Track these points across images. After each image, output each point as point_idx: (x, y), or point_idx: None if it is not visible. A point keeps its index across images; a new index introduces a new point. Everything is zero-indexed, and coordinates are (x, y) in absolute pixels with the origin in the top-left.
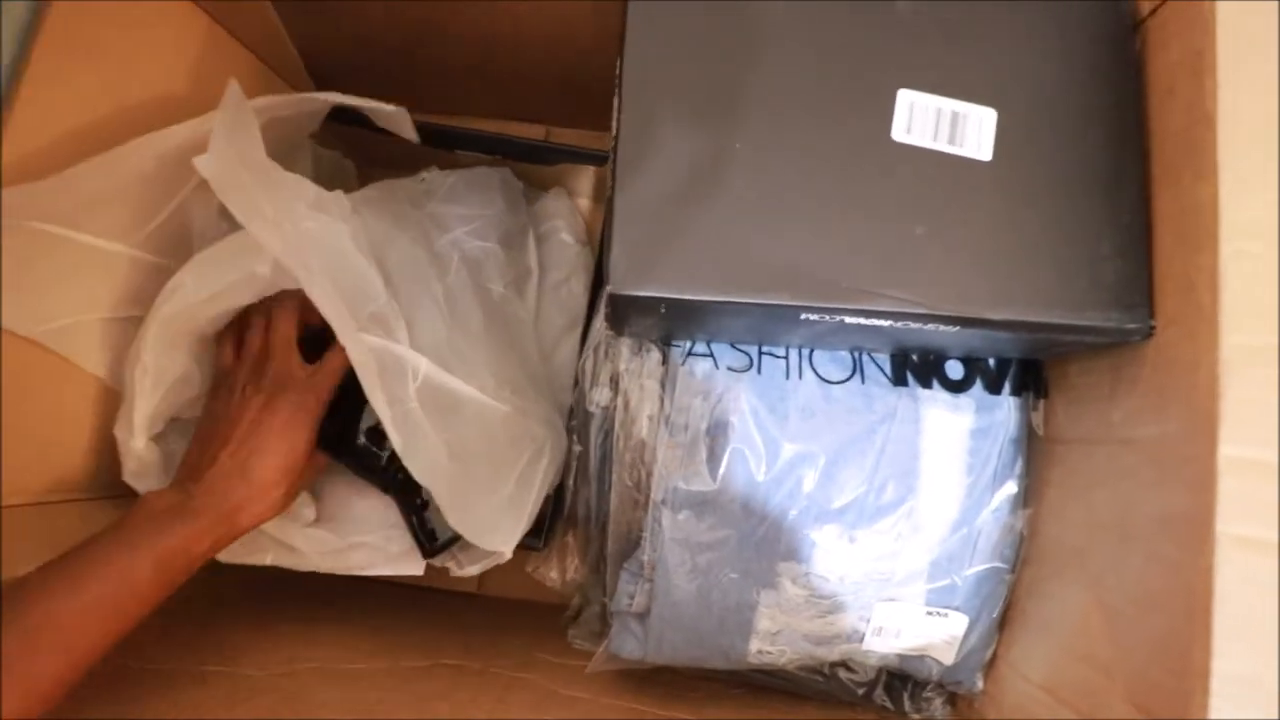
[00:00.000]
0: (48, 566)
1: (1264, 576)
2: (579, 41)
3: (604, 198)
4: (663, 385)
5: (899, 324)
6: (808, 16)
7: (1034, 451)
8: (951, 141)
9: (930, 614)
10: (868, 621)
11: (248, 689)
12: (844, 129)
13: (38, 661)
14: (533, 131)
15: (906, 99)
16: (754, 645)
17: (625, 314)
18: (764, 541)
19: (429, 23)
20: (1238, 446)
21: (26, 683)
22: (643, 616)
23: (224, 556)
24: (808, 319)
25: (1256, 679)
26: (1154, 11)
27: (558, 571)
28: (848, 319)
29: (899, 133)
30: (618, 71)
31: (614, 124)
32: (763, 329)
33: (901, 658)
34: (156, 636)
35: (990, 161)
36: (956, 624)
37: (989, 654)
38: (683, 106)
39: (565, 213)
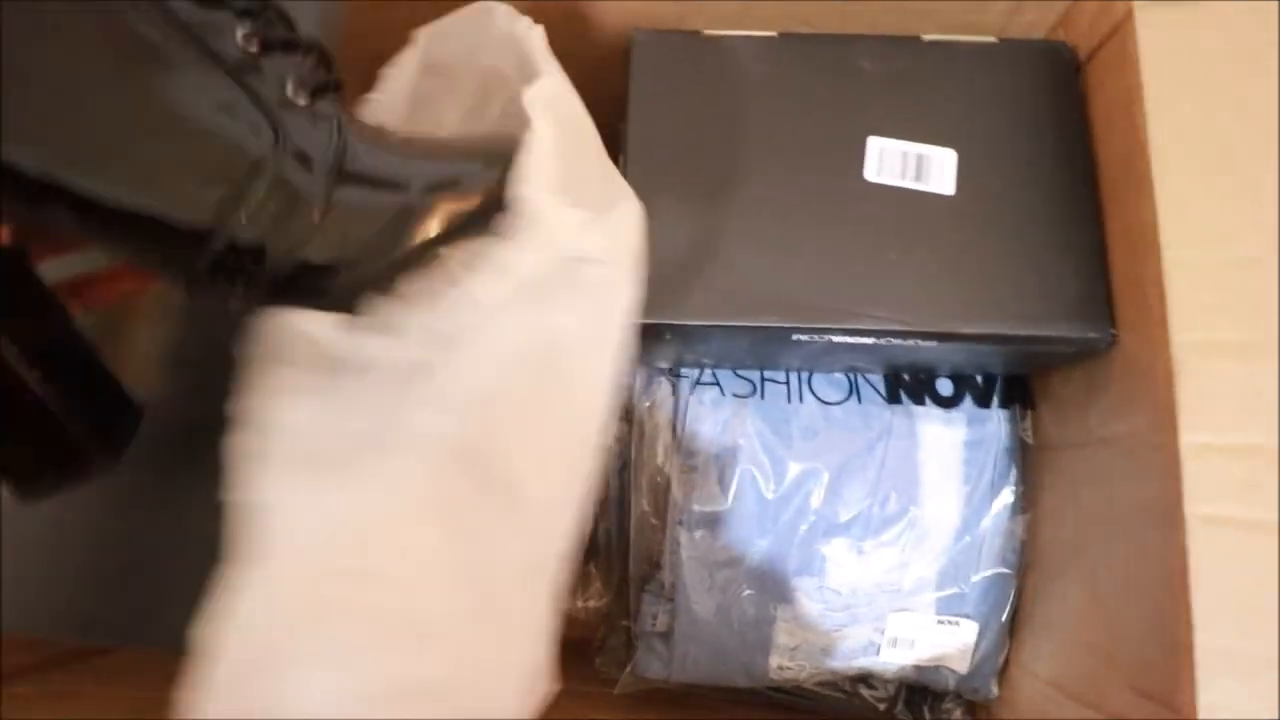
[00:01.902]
0: None
1: (1233, 550)
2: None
3: None
4: (674, 414)
5: (882, 340)
6: (790, 77)
7: (1027, 460)
8: (918, 179)
9: (941, 622)
10: (882, 633)
11: None
12: (824, 172)
13: None
14: None
15: (876, 145)
16: (774, 660)
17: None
18: (777, 557)
19: None
20: (1196, 433)
21: None
22: (666, 636)
23: None
24: (799, 339)
25: (1238, 649)
26: (1091, 56)
27: (581, 600)
28: (835, 338)
29: (871, 174)
30: (623, 128)
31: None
32: (760, 351)
33: (918, 669)
34: None
35: (953, 195)
36: (968, 631)
37: (1002, 659)
38: (681, 157)
39: None
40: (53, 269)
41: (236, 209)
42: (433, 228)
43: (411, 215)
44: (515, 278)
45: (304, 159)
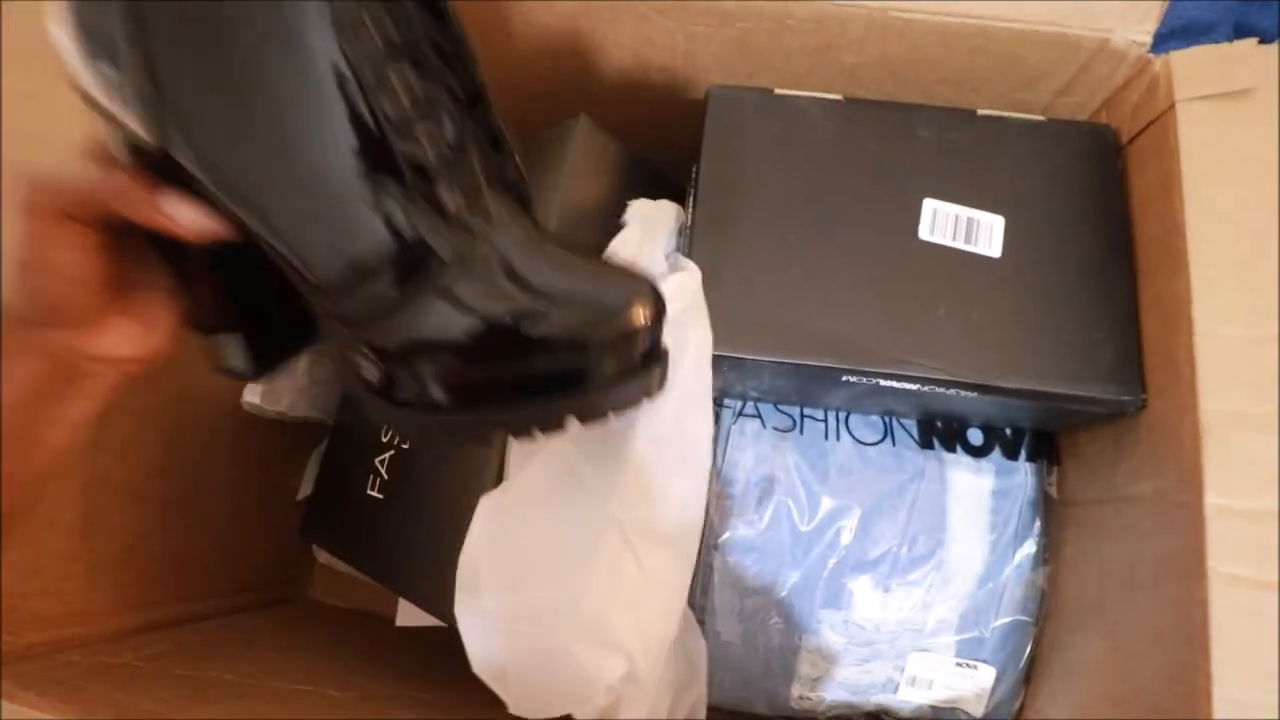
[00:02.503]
0: None
1: (1252, 607)
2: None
3: None
4: (715, 442)
5: (926, 388)
6: (854, 139)
7: (1050, 513)
8: (968, 241)
9: (960, 665)
10: (902, 671)
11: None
12: (881, 228)
13: None
14: None
15: (930, 206)
16: (796, 690)
17: None
18: (806, 589)
19: None
20: (1221, 496)
21: None
22: None
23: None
24: (849, 380)
25: (1253, 700)
26: (1132, 140)
27: None
28: (882, 382)
29: (924, 233)
30: (694, 172)
31: (689, 214)
32: (808, 389)
33: (934, 709)
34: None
35: (1000, 258)
36: (985, 676)
37: (1016, 706)
38: (748, 203)
39: None
40: None
41: (354, 277)
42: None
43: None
44: None
45: (421, 261)
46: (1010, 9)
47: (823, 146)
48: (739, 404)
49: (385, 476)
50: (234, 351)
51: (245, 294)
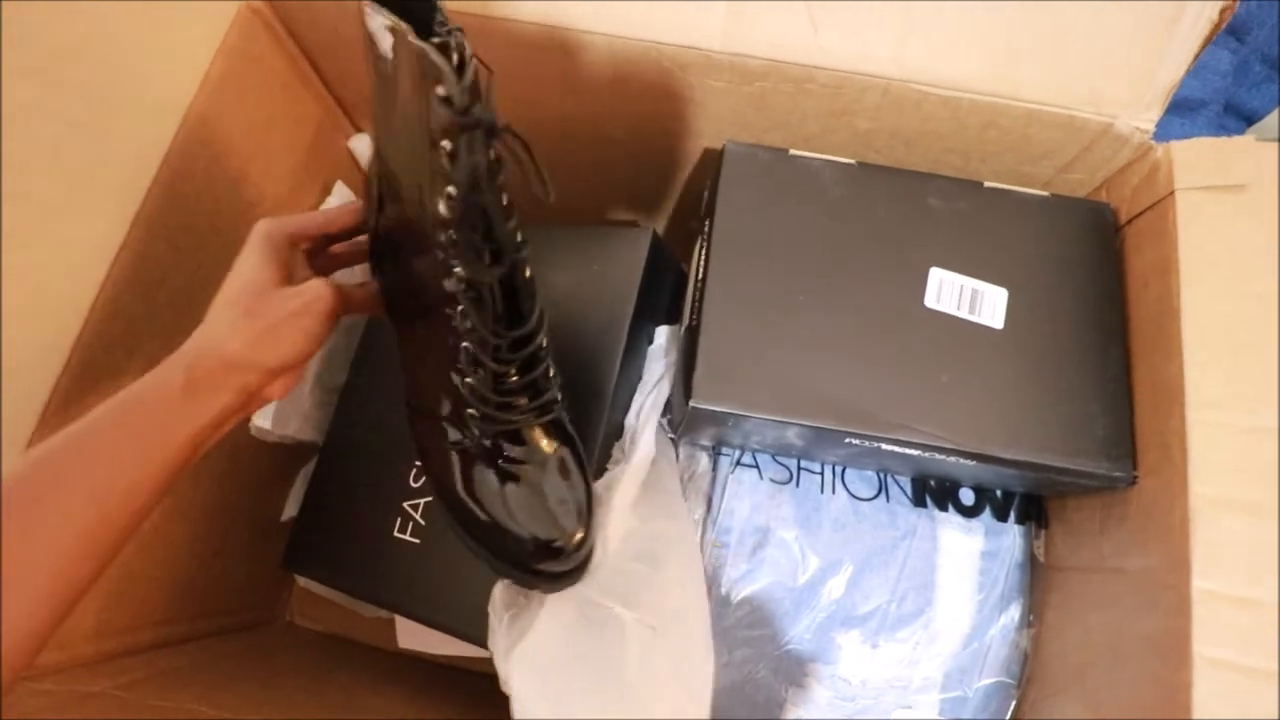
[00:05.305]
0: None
1: (1236, 693)
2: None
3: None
4: (711, 490)
5: (925, 454)
6: (865, 203)
7: (1036, 577)
8: (971, 311)
9: None
10: None
11: None
12: (888, 294)
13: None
14: None
15: (937, 276)
16: None
17: (698, 423)
18: (795, 641)
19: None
20: (1208, 580)
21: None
22: None
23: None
24: (850, 442)
25: None
26: (1131, 221)
27: None
28: (884, 445)
29: (930, 301)
30: (706, 226)
31: (699, 268)
32: (809, 447)
33: None
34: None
35: (1002, 329)
36: None
37: None
38: (759, 259)
39: None
40: None
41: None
42: None
43: None
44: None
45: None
46: (1022, 89)
47: (834, 209)
48: (736, 453)
49: (421, 522)
50: None
51: None
